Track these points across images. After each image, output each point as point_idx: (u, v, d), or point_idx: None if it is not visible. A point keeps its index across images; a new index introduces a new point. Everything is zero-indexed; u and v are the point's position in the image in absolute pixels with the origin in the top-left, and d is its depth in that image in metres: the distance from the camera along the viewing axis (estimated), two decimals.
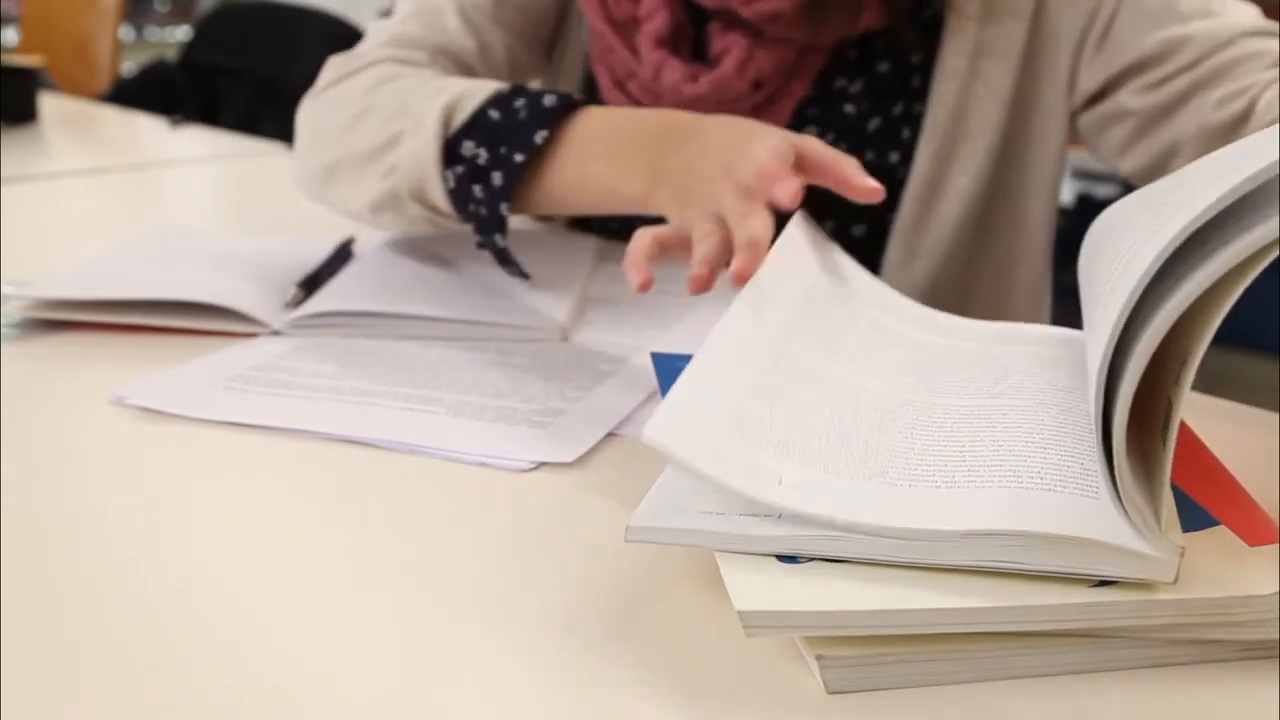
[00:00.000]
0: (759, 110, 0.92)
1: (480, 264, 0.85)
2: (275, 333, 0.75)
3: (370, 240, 0.92)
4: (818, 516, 0.42)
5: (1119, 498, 0.40)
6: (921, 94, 0.93)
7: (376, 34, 0.94)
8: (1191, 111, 0.84)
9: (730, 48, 0.89)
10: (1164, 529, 0.40)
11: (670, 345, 0.74)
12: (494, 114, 0.77)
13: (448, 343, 0.74)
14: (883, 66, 0.92)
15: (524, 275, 0.80)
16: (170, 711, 0.39)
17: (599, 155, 0.75)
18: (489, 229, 0.77)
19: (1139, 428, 0.45)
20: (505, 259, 0.79)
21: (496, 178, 0.76)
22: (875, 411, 0.50)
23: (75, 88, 2.21)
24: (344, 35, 2.37)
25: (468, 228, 0.79)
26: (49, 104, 1.70)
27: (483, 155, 0.76)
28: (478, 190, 0.76)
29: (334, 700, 0.40)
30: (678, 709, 0.39)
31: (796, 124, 0.93)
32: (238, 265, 0.84)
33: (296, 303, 0.77)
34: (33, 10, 2.61)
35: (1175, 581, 0.40)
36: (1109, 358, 0.40)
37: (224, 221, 1.19)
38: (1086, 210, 2.39)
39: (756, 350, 0.52)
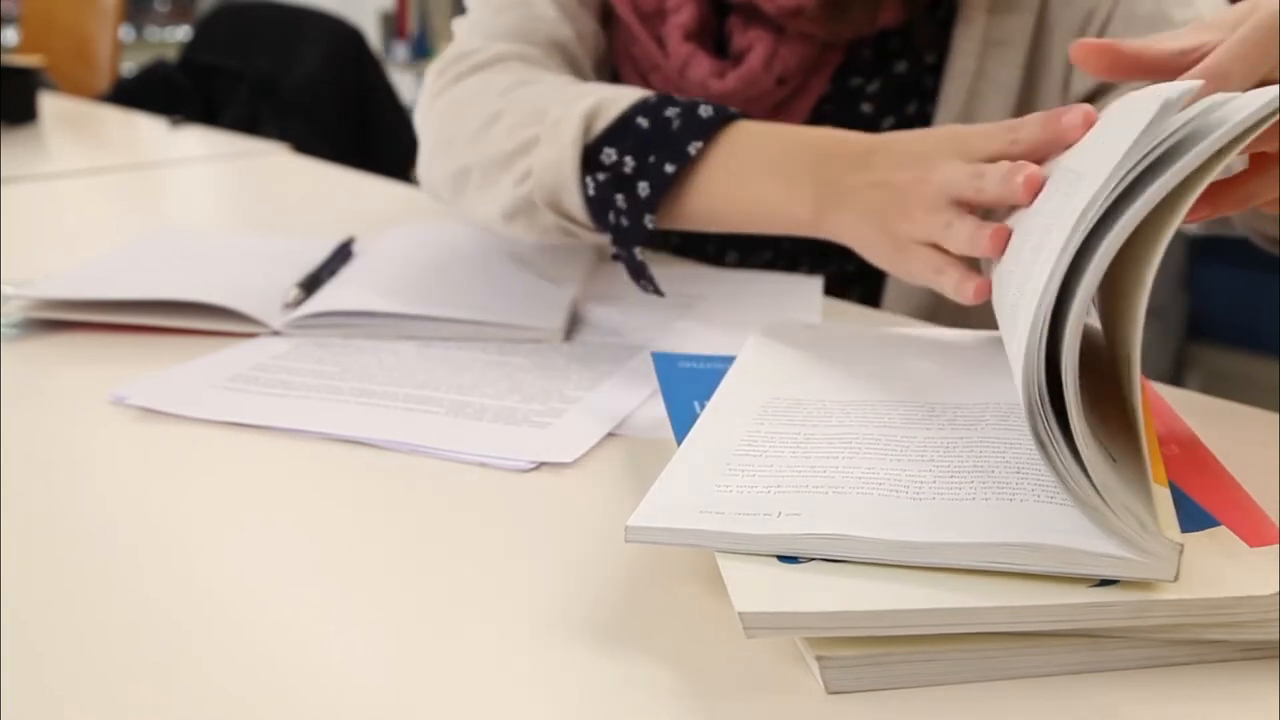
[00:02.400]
0: (780, 107, 0.92)
1: (481, 265, 0.85)
2: (275, 333, 0.75)
3: (370, 240, 0.92)
4: (820, 535, 0.42)
5: (1107, 506, 0.40)
6: (933, 95, 0.93)
7: (472, 30, 0.90)
8: None
9: (754, 43, 0.89)
10: (1160, 528, 0.40)
11: (670, 345, 0.74)
12: (642, 121, 0.73)
13: (447, 343, 0.74)
14: (899, 66, 0.93)
15: (658, 292, 0.74)
16: (170, 711, 0.39)
17: (759, 172, 0.70)
18: (628, 240, 0.72)
19: (1115, 435, 0.45)
20: (640, 273, 0.74)
21: (643, 188, 0.71)
22: (861, 443, 0.50)
23: (75, 88, 2.21)
24: (344, 35, 2.38)
25: (604, 238, 0.75)
26: (49, 104, 1.70)
27: (629, 163, 0.72)
28: (620, 200, 0.72)
29: (333, 700, 0.40)
30: (677, 709, 0.39)
31: (814, 121, 0.94)
32: (237, 265, 0.84)
33: (296, 303, 0.77)
34: (33, 10, 2.62)
35: (1176, 579, 0.40)
36: (1037, 375, 0.41)
37: (224, 221, 1.19)
38: None
39: (732, 431, 0.53)
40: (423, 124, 0.86)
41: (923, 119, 0.94)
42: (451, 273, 0.84)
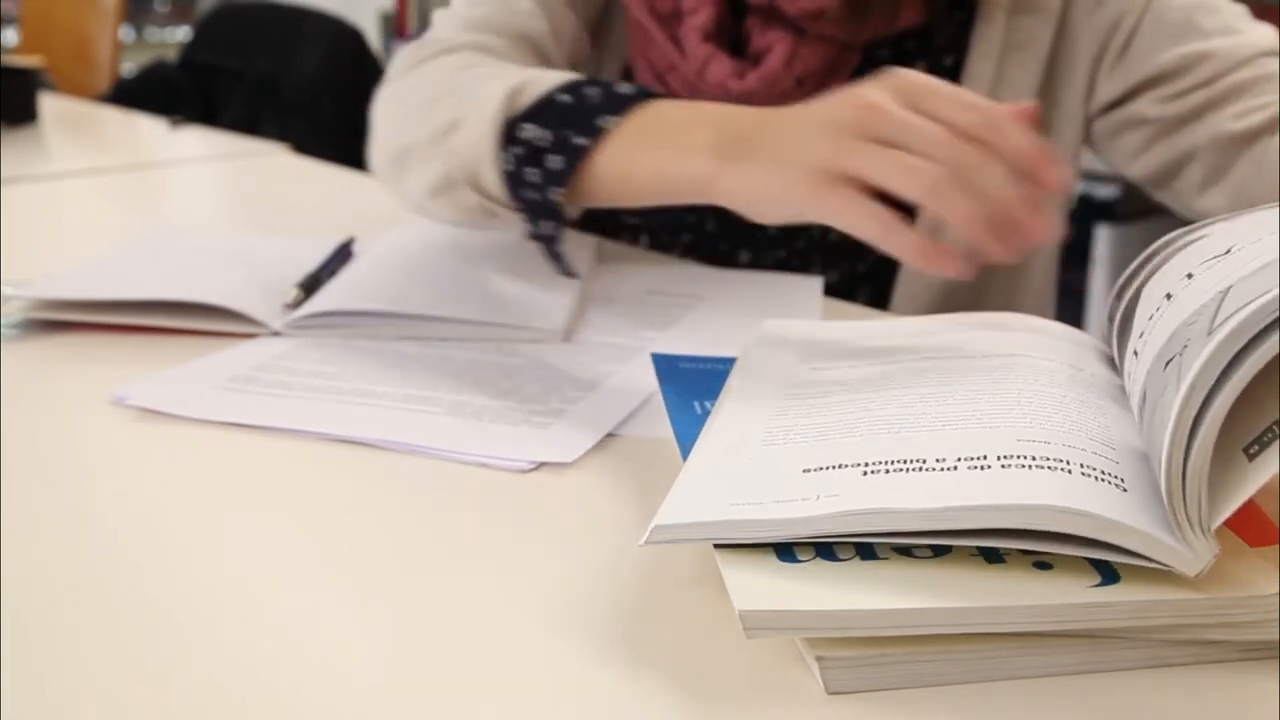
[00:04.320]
0: None
1: (481, 265, 0.85)
2: (275, 333, 0.75)
3: (370, 240, 0.92)
4: (865, 511, 0.42)
5: (1183, 494, 0.40)
6: None
7: (446, 20, 0.92)
8: (1207, 124, 0.85)
9: (773, 44, 0.89)
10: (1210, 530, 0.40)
11: (670, 345, 0.74)
12: (564, 98, 0.73)
13: (448, 343, 0.74)
14: (917, 68, 0.92)
15: (572, 274, 0.76)
16: (170, 711, 0.39)
17: (659, 140, 0.70)
18: (539, 214, 0.73)
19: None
20: (552, 252, 0.75)
21: (554, 161, 0.71)
22: (896, 419, 0.49)
23: (75, 88, 2.20)
24: (344, 35, 2.37)
25: (520, 219, 0.75)
26: (49, 104, 1.69)
27: (545, 138, 0.72)
28: (532, 174, 0.72)
29: (334, 700, 0.40)
30: (677, 709, 0.39)
31: None
32: (238, 265, 0.84)
33: (296, 303, 0.77)
34: (33, 10, 2.61)
35: (1195, 578, 0.40)
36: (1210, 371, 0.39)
37: (224, 221, 1.19)
38: (1086, 210, 2.39)
39: (752, 424, 0.52)
40: (375, 108, 0.87)
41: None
42: (452, 273, 0.84)
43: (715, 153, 0.66)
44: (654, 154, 0.70)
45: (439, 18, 0.93)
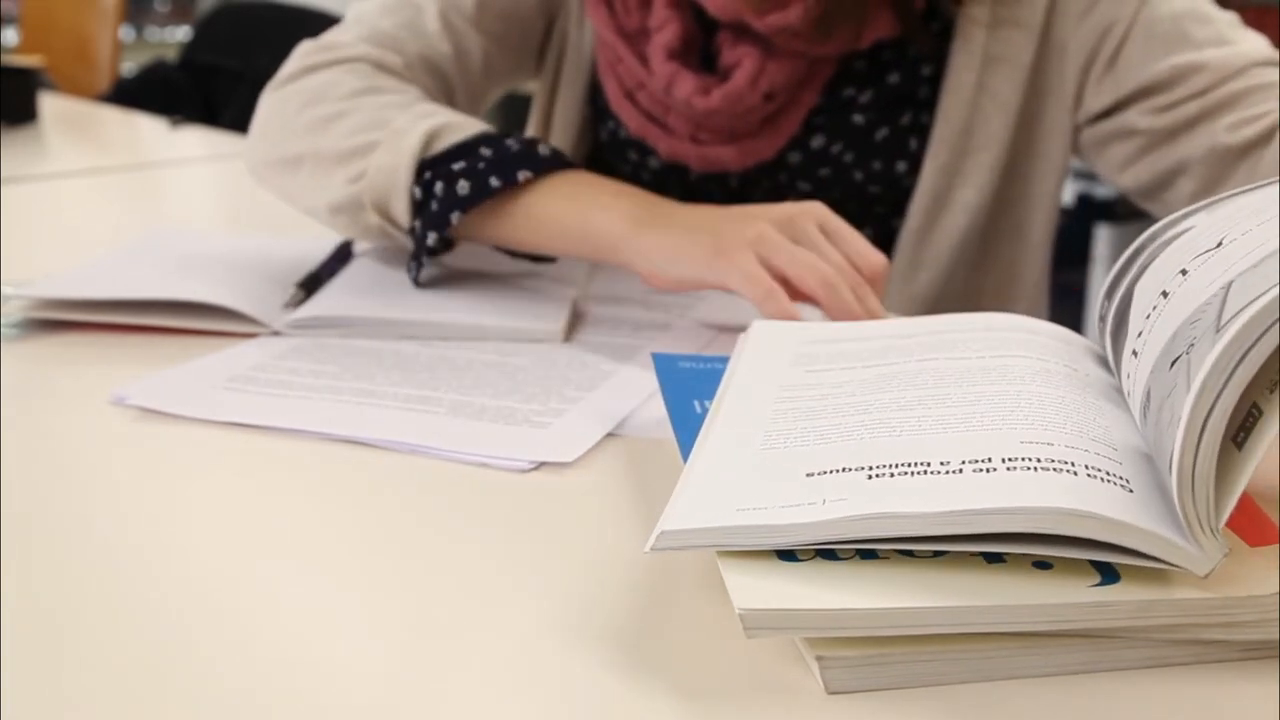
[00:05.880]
0: (770, 121, 0.92)
1: (481, 266, 0.85)
2: (275, 333, 0.75)
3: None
4: (875, 515, 0.41)
5: (1191, 492, 0.39)
6: (929, 105, 0.93)
7: (353, 23, 0.93)
8: (1201, 135, 0.85)
9: (742, 59, 0.89)
10: (1219, 529, 0.40)
11: (670, 345, 0.74)
12: (485, 150, 0.77)
13: (448, 343, 0.74)
14: (892, 78, 0.92)
15: (416, 281, 0.80)
16: (170, 710, 0.39)
17: (590, 198, 0.76)
18: (428, 224, 0.77)
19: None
20: (418, 255, 0.79)
21: (462, 186, 0.76)
22: (896, 421, 0.49)
23: (75, 88, 2.20)
24: None
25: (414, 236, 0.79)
26: (49, 104, 1.70)
27: (458, 165, 0.76)
28: (439, 187, 0.76)
29: (333, 699, 0.40)
30: (677, 709, 0.39)
31: (805, 132, 0.93)
32: (238, 265, 0.84)
33: (296, 303, 0.77)
34: (33, 10, 2.61)
35: (1205, 577, 0.39)
36: (1225, 363, 0.38)
37: (224, 221, 1.19)
38: (1086, 210, 2.39)
39: (751, 426, 0.51)
40: (266, 101, 0.88)
41: (919, 129, 0.93)
42: (452, 274, 0.84)
43: (634, 218, 0.74)
44: (582, 208, 0.75)
45: (349, 18, 0.94)
